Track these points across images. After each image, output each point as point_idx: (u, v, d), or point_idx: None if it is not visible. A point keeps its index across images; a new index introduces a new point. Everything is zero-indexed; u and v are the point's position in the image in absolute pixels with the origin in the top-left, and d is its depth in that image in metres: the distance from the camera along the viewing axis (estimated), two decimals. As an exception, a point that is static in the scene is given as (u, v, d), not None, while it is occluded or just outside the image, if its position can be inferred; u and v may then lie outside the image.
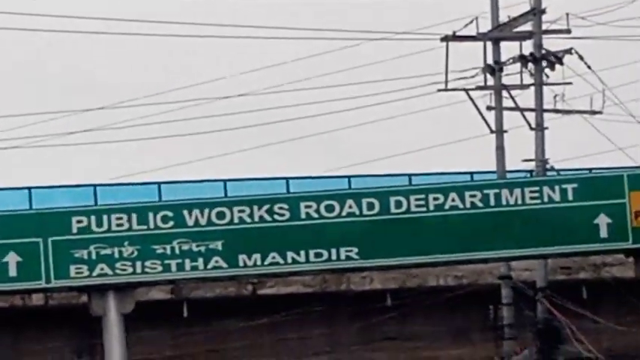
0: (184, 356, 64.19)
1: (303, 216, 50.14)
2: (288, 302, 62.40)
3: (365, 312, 63.12)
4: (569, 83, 62.63)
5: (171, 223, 50.69)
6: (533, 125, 63.60)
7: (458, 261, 54.64)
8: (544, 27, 62.91)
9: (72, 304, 57.14)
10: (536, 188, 51.23)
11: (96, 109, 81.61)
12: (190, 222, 50.86)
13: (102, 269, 50.03)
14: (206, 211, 50.98)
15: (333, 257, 50.24)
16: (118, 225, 50.72)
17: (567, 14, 62.22)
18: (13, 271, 49.37)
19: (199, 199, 54.13)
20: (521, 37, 63.44)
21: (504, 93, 64.22)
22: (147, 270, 50.03)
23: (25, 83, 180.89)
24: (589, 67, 61.86)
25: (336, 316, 64.31)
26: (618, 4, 68.19)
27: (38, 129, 78.78)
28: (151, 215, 51.24)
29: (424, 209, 50.84)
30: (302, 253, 49.90)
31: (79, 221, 50.41)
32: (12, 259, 49.64)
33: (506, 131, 64.68)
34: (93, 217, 51.29)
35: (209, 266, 50.15)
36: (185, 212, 51.14)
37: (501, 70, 63.44)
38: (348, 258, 49.96)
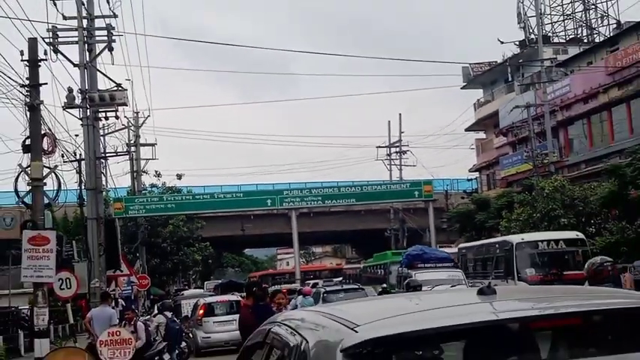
0: (320, 223, 61.32)
1: (347, 191, 51.52)
2: (347, 213, 60.46)
3: (365, 214, 61.29)
4: (414, 165, 62.65)
5: (328, 194, 51.39)
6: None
7: (377, 203, 56.05)
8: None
9: (280, 213, 55.13)
10: (402, 185, 53.24)
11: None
12: (328, 192, 51.70)
13: (289, 205, 50.82)
14: (333, 189, 52.38)
15: (353, 202, 52.67)
16: (304, 193, 51.65)
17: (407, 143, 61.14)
18: (269, 203, 50.76)
19: (334, 186, 53.88)
20: (388, 147, 60.78)
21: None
22: (306, 204, 51.65)
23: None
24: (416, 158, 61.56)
25: (362, 215, 61.09)
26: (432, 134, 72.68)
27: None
28: (316, 190, 52.15)
29: (369, 189, 52.12)
30: (344, 201, 51.84)
31: (286, 192, 52.23)
32: (268, 201, 51.20)
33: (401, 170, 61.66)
34: (293, 192, 52.62)
35: (327, 203, 51.90)
36: (328, 190, 52.16)
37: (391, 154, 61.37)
38: (352, 202, 52.34)
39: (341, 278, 53.18)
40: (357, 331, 2.79)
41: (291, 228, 52.28)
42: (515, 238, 27.87)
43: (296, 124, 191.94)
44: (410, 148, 61.16)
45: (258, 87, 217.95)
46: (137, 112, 49.13)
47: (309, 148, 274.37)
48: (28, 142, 18.62)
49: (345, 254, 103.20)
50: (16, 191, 20.17)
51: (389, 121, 61.76)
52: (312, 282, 48.89)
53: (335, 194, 52.52)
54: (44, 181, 19.00)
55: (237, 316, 24.25)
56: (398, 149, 61.46)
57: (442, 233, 54.68)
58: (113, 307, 20.32)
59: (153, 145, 50.51)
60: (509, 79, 52.86)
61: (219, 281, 58.10)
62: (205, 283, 64.80)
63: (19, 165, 19.37)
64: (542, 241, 26.84)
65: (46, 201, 20.31)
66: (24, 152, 18.92)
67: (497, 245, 28.71)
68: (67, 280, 20.39)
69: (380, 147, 61.32)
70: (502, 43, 50.36)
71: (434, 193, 52.57)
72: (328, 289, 33.37)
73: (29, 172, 18.64)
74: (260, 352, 3.82)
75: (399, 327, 2.76)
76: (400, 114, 64.17)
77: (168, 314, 19.97)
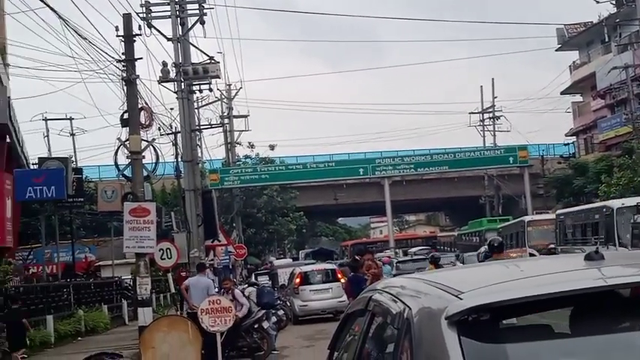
0: (413, 191, 59.49)
1: (440, 158, 51.71)
2: (440, 180, 58.88)
3: (459, 181, 59.14)
4: (508, 131, 59.79)
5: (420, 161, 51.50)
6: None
7: (471, 170, 54.97)
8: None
9: (373, 182, 53.98)
10: (496, 151, 53.20)
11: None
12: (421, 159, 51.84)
13: (381, 174, 50.33)
14: (425, 157, 52.36)
15: (446, 170, 52.38)
16: (396, 161, 51.64)
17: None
18: (361, 172, 51.02)
19: (427, 154, 53.92)
20: (480, 113, 59.57)
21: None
22: (399, 172, 51.38)
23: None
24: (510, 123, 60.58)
25: (455, 182, 59.43)
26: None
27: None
28: (409, 158, 52.00)
29: (462, 156, 52.05)
30: (437, 168, 51.89)
31: (378, 160, 51.58)
32: (361, 170, 51.14)
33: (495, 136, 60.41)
34: (385, 160, 52.10)
35: (419, 171, 51.76)
36: (421, 157, 52.15)
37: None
38: (445, 169, 52.21)
39: (418, 248, 52.71)
40: (461, 299, 2.72)
41: (383, 196, 52.01)
42: (615, 204, 26.82)
43: (386, 92, 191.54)
44: (503, 114, 60.76)
45: (346, 56, 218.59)
46: (229, 85, 49.72)
47: (400, 115, 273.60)
48: (126, 116, 18.83)
49: (439, 222, 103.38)
50: (116, 164, 20.49)
51: (481, 86, 61.33)
52: (389, 252, 48.83)
53: (427, 162, 52.29)
54: (143, 153, 19.24)
55: (333, 285, 25.87)
56: (491, 115, 60.73)
57: (538, 199, 53.82)
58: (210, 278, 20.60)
59: (245, 116, 51.10)
60: (606, 40, 51.11)
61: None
62: (300, 252, 65.96)
63: (119, 139, 19.71)
64: (644, 205, 26.66)
65: (145, 173, 20.55)
66: (122, 126, 19.16)
67: (596, 211, 27.95)
68: (168, 251, 20.88)
69: (473, 113, 61.04)
70: (598, 2, 48.63)
71: (529, 159, 52.05)
72: (400, 259, 37.98)
73: (128, 145, 18.93)
74: (361, 320, 3.81)
75: (504, 294, 2.67)
76: (493, 79, 64.52)
77: (259, 284, 20.62)
